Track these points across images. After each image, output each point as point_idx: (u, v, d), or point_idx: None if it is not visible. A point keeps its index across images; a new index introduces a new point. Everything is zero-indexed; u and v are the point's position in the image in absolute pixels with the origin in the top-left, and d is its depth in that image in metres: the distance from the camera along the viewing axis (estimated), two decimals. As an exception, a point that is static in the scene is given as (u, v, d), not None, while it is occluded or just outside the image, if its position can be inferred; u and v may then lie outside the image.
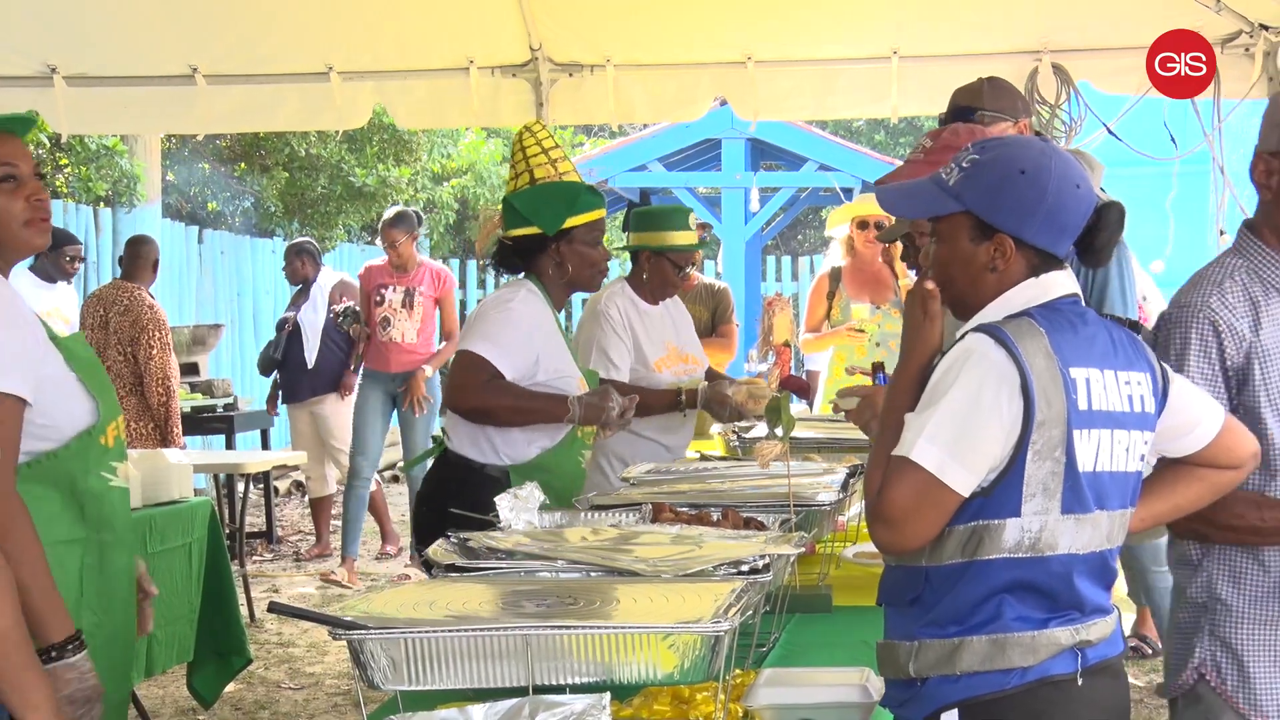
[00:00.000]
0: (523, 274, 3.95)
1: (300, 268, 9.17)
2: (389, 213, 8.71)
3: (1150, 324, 6.15)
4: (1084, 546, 2.23)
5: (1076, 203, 2.26)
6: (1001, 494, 2.17)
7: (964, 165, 2.30)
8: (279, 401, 9.16)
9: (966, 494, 2.17)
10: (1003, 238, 2.26)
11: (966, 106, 3.72)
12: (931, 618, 2.21)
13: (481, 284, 15.22)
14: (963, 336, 2.25)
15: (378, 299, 8.44)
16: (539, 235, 3.85)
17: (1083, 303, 2.34)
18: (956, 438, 2.14)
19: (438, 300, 8.59)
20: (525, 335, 3.75)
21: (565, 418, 3.73)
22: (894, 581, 2.32)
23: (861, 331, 6.64)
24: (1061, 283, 2.30)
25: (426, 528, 3.74)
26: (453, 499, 3.57)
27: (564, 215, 3.80)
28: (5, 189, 2.56)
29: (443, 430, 3.99)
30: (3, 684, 2.19)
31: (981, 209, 2.27)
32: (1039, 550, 2.18)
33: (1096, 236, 2.30)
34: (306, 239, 9.88)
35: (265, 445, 10.07)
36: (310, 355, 8.84)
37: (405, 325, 8.46)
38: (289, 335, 8.91)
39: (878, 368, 3.19)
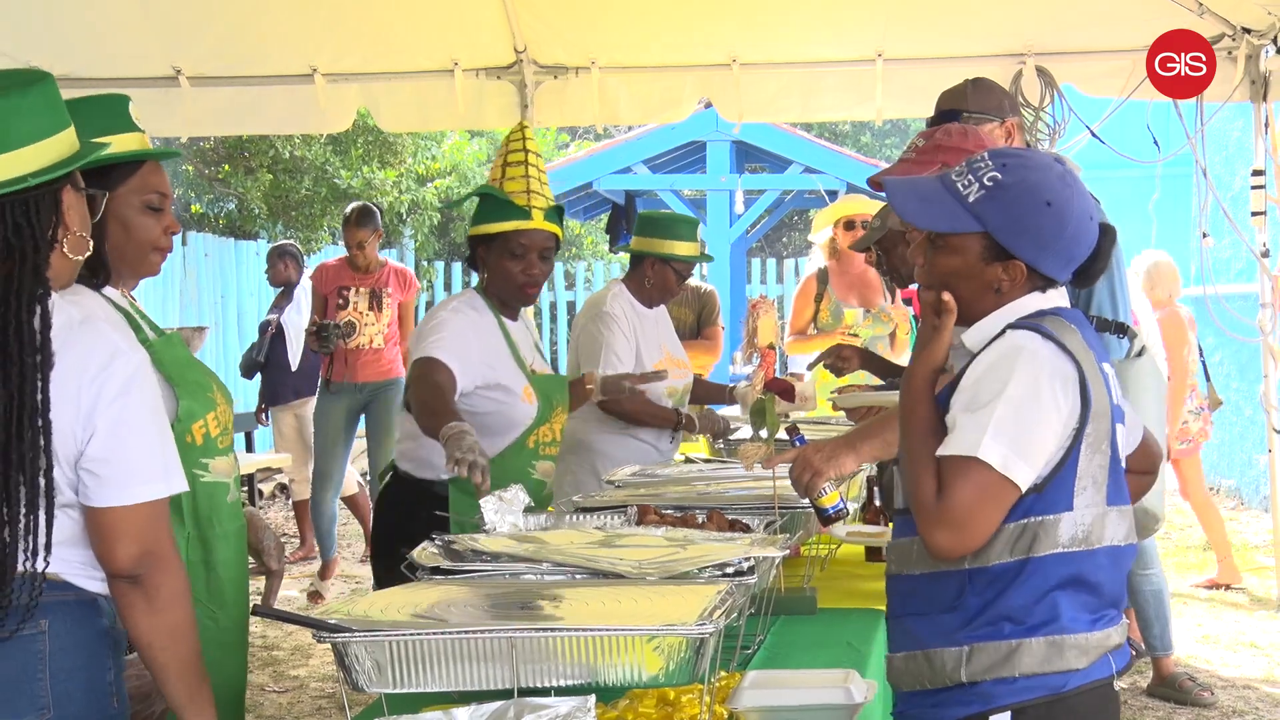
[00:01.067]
0: (475, 285, 3.90)
1: (283, 270, 9.14)
2: (351, 209, 8.12)
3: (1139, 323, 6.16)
4: (1124, 538, 2.27)
5: (1089, 236, 2.31)
6: (1055, 488, 2.20)
7: (986, 183, 2.28)
8: (262, 404, 9.13)
9: (1025, 489, 2.18)
10: (1017, 264, 2.29)
11: (951, 110, 3.70)
12: (983, 620, 2.21)
13: (466, 285, 15.18)
14: (998, 335, 2.27)
15: (339, 301, 7.89)
16: (473, 237, 3.80)
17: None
18: (1019, 433, 2.16)
19: (402, 304, 8.10)
20: (465, 341, 3.63)
21: (439, 436, 3.24)
22: (919, 590, 2.30)
23: (856, 336, 6.62)
24: (1058, 297, 2.35)
25: (380, 546, 3.75)
26: (400, 516, 3.66)
27: (474, 221, 3.75)
28: (152, 215, 2.74)
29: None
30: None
31: (1003, 234, 2.27)
32: (1090, 544, 2.21)
33: (1093, 263, 2.34)
34: (289, 242, 9.85)
35: (249, 448, 10.04)
36: (294, 357, 8.81)
37: (373, 330, 7.95)
38: (272, 337, 8.88)
39: (793, 430, 3.16)
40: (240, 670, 2.98)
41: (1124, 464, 2.36)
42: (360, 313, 7.89)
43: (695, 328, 7.07)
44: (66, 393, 2.18)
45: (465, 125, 11.96)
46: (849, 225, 6.85)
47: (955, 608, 2.22)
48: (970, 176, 2.30)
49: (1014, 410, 2.16)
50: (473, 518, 2.97)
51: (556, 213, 3.77)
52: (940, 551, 2.20)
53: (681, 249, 4.87)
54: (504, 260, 3.71)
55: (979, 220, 2.28)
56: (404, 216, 14.63)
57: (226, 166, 14.03)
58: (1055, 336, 2.21)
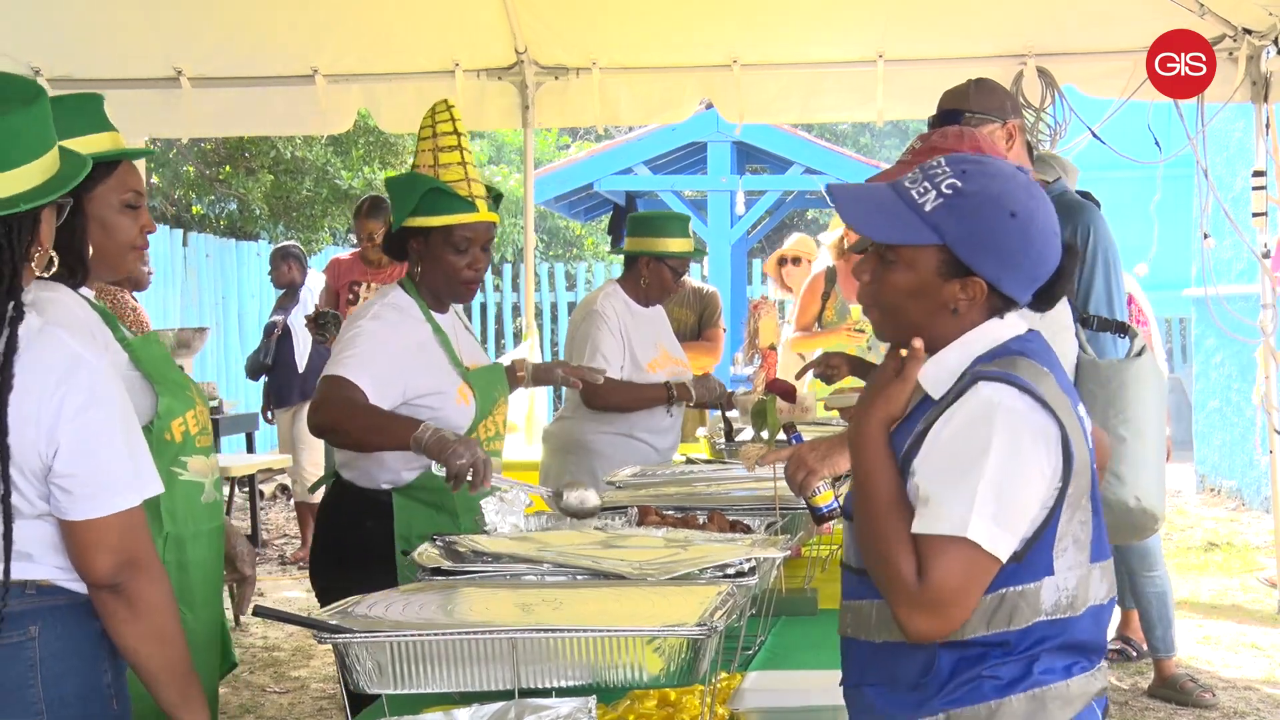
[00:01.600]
0: (401, 280, 3.59)
1: (286, 272, 9.11)
2: (364, 199, 7.91)
3: (1147, 324, 6.14)
4: (1105, 595, 2.08)
5: (1054, 254, 2.08)
6: (1035, 553, 1.99)
7: (944, 190, 2.05)
8: (268, 405, 9.12)
9: (1006, 560, 1.97)
10: (977, 281, 2.05)
11: (953, 110, 3.66)
12: (957, 683, 2.01)
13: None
14: (965, 386, 2.02)
15: (350, 297, 7.62)
16: (406, 229, 3.46)
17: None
18: (1003, 505, 1.94)
19: None
20: (385, 354, 3.34)
21: (410, 445, 3.15)
22: (880, 660, 2.09)
23: (862, 331, 6.61)
24: (1020, 321, 2.13)
25: (317, 557, 3.55)
26: (342, 526, 3.48)
27: (407, 211, 3.39)
28: (129, 214, 2.72)
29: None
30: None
31: (962, 247, 2.04)
32: (1075, 609, 2.02)
33: (1055, 285, 2.11)
34: (292, 243, 9.83)
35: (250, 449, 10.04)
36: (301, 359, 8.79)
37: None
38: (279, 339, 8.86)
39: (789, 428, 3.15)
40: (212, 672, 2.94)
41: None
42: None
43: (696, 329, 7.08)
44: (26, 410, 2.14)
45: (466, 127, 11.94)
46: None
47: (920, 685, 2.02)
48: (926, 183, 2.07)
49: (998, 480, 1.94)
50: (420, 530, 2.89)
51: (495, 199, 3.51)
52: (920, 636, 1.97)
53: (674, 245, 4.86)
54: (446, 254, 3.42)
55: (936, 231, 2.04)
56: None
57: (228, 167, 14.04)
58: (1033, 389, 1.97)
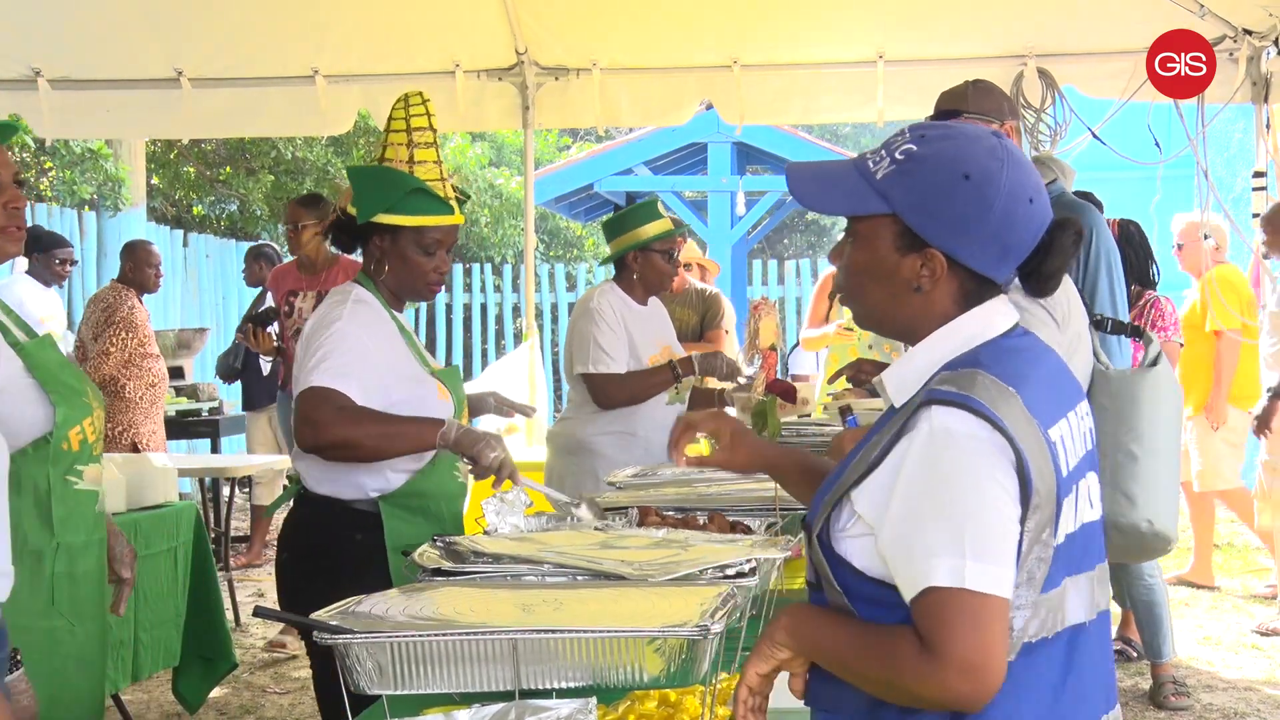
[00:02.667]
0: (358, 276, 3.46)
1: (258, 271, 8.93)
2: (303, 195, 7.34)
3: (1167, 330, 6.07)
4: (1070, 618, 1.87)
5: (1027, 220, 1.88)
6: None
7: (897, 156, 1.89)
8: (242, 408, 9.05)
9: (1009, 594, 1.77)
10: (934, 253, 1.88)
11: (950, 110, 3.65)
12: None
13: (467, 287, 15.19)
14: (918, 407, 1.82)
15: (286, 309, 7.02)
16: (373, 224, 3.31)
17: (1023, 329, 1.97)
18: (986, 540, 1.74)
19: None
20: (363, 354, 3.21)
21: (437, 443, 3.13)
22: (827, 688, 1.91)
23: (850, 330, 6.65)
24: (1005, 314, 1.93)
25: (291, 577, 3.44)
26: (317, 541, 3.34)
27: (380, 207, 3.24)
28: None
29: (295, 472, 3.42)
30: None
31: (912, 216, 1.87)
32: (1018, 649, 1.80)
33: (1045, 261, 1.91)
34: (266, 243, 9.75)
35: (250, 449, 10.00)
36: (265, 362, 8.64)
37: None
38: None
39: (845, 411, 3.13)
40: (98, 683, 2.86)
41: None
42: (305, 319, 7.19)
43: (699, 330, 7.09)
44: None
45: (466, 127, 11.97)
46: None
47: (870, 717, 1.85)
48: (883, 151, 1.92)
49: (975, 515, 1.75)
50: (410, 539, 2.82)
51: (462, 200, 3.39)
52: (962, 705, 1.76)
53: (651, 229, 4.81)
54: (413, 255, 3.30)
55: (885, 199, 1.88)
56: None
57: (228, 168, 14.04)
58: (989, 414, 1.77)
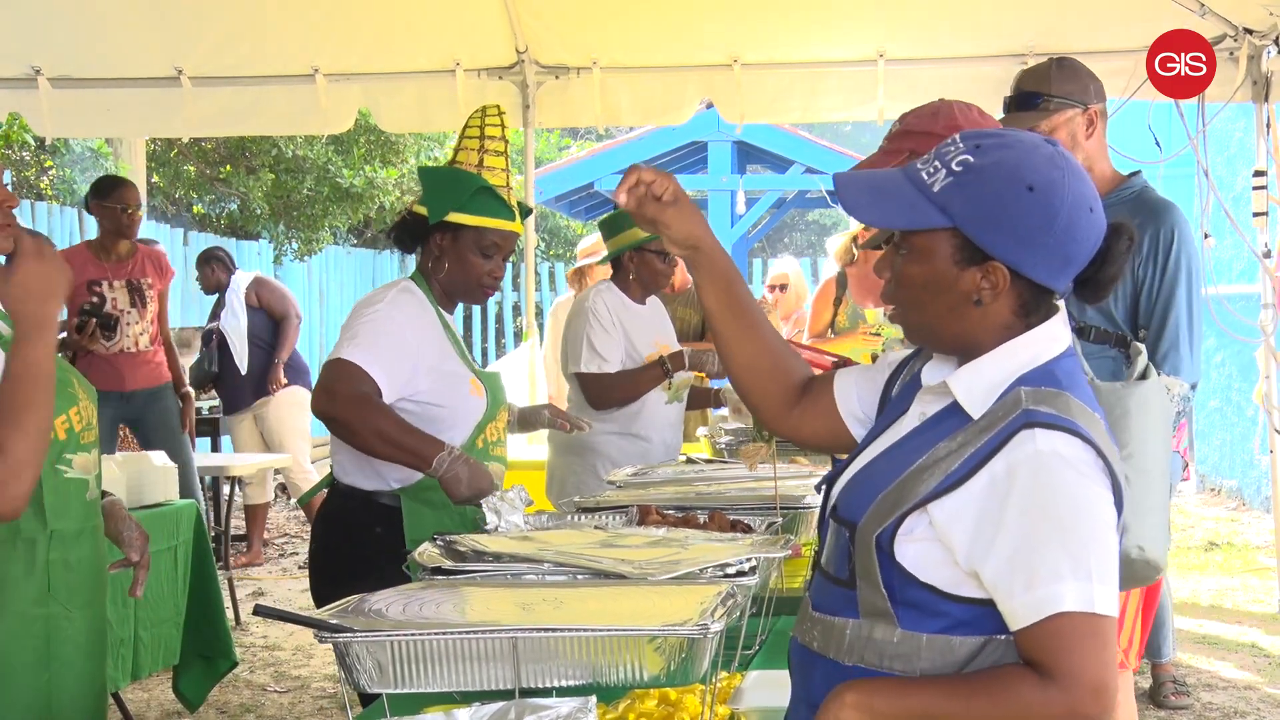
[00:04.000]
0: (413, 271, 3.57)
1: (211, 275, 8.86)
2: (105, 179, 6.88)
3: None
4: None
5: (1089, 230, 1.85)
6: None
7: (954, 168, 1.85)
8: (223, 412, 9.01)
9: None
10: (996, 266, 1.85)
11: (1032, 92, 3.44)
12: None
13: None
14: (1018, 428, 1.79)
15: (95, 300, 6.64)
16: (427, 219, 3.41)
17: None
18: (1103, 562, 1.76)
19: (160, 294, 6.92)
20: (399, 341, 3.29)
21: (429, 469, 3.15)
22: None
23: (878, 335, 6.60)
24: (1065, 329, 1.93)
25: (318, 569, 3.48)
26: (341, 533, 3.40)
27: (450, 206, 3.35)
28: None
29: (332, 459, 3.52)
30: None
31: (973, 229, 1.84)
32: None
33: (1102, 269, 1.88)
34: (217, 246, 9.58)
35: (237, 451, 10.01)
36: (241, 362, 8.66)
37: (137, 329, 6.79)
38: (218, 346, 8.70)
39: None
40: (99, 672, 2.87)
41: None
42: (121, 310, 6.73)
43: (700, 329, 7.09)
44: None
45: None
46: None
47: None
48: (937, 162, 1.87)
49: (1095, 538, 1.76)
50: (425, 534, 2.83)
51: (524, 212, 3.51)
52: None
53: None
54: (471, 255, 3.39)
55: (945, 213, 1.85)
56: (400, 212, 14.62)
57: (228, 166, 14.04)
58: (1094, 441, 1.79)
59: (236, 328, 8.68)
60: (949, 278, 1.88)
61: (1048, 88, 3.44)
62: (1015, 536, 1.75)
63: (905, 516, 1.84)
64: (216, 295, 8.96)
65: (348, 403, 3.18)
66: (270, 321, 8.81)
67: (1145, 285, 3.45)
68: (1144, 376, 2.83)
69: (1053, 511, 1.75)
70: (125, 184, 6.76)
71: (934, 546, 1.83)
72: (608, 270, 7.75)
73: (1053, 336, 1.90)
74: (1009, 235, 1.83)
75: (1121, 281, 2.56)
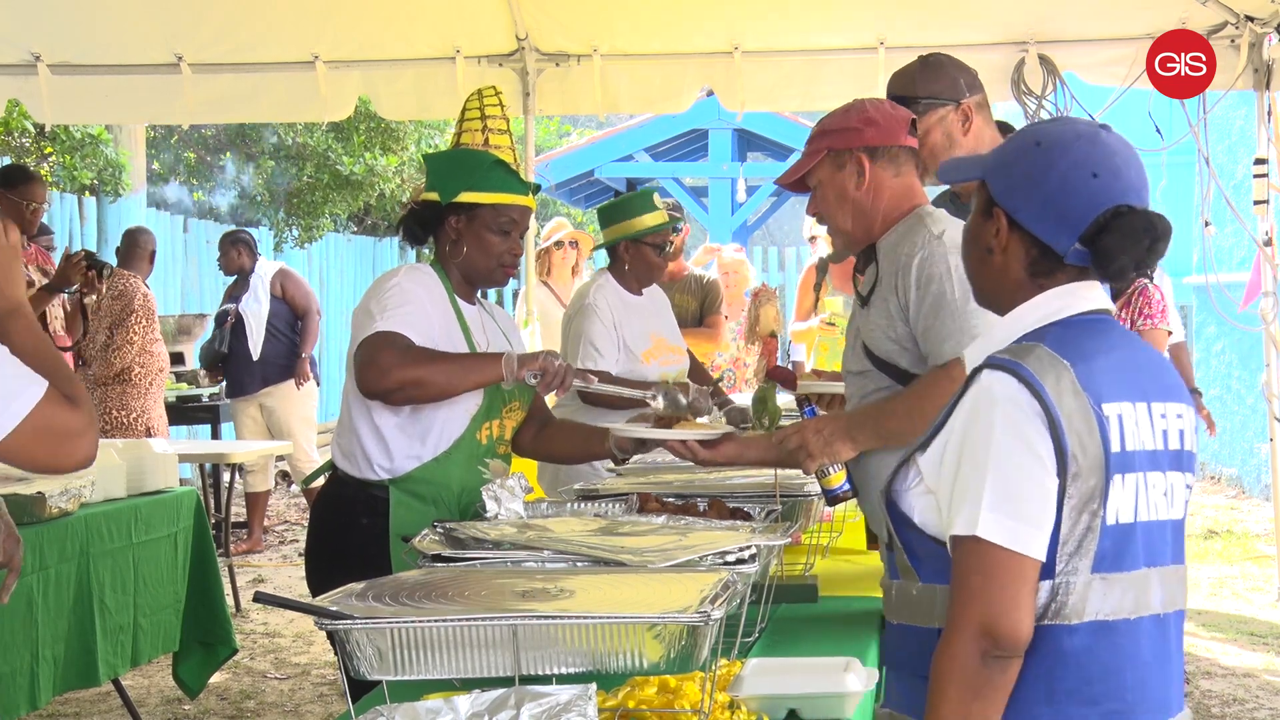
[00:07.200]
0: (430, 261, 3.51)
1: (236, 258, 8.94)
2: (9, 168, 6.87)
3: (1154, 317, 6.00)
4: (1116, 612, 1.92)
5: (1086, 191, 1.94)
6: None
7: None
8: (226, 396, 9.04)
9: (1044, 557, 1.86)
10: (999, 212, 2.00)
11: (900, 96, 3.34)
12: None
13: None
14: (976, 372, 1.93)
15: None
16: (440, 204, 3.34)
17: (1117, 320, 2.04)
18: (1010, 497, 1.84)
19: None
20: (420, 309, 3.25)
21: (504, 375, 3.15)
22: (903, 643, 2.05)
23: (832, 325, 6.67)
24: (1090, 297, 1.99)
25: (311, 556, 3.46)
26: (332, 521, 3.38)
27: (462, 186, 3.29)
28: None
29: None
30: None
31: (990, 174, 2.02)
32: (1065, 617, 1.88)
33: (1101, 239, 1.93)
34: (242, 229, 9.70)
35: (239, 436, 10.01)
36: (255, 347, 8.72)
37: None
38: (232, 327, 8.75)
39: (803, 401, 3.15)
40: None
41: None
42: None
43: (698, 315, 7.09)
44: None
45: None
46: None
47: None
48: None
49: (1002, 472, 1.84)
50: (410, 529, 2.80)
51: (533, 189, 3.46)
52: (989, 657, 1.86)
53: (645, 221, 4.74)
54: (488, 235, 3.32)
55: (982, 166, 2.05)
56: (406, 204, 14.61)
57: (228, 153, 14.03)
58: (1032, 379, 1.86)
59: (257, 312, 8.74)
60: (976, 228, 2.06)
61: (914, 89, 3.36)
62: (950, 467, 1.91)
63: (899, 469, 2.00)
64: (234, 278, 9.01)
65: (399, 365, 3.12)
66: (290, 313, 8.88)
67: None
68: None
69: (969, 442, 1.89)
70: (35, 180, 6.72)
71: (930, 498, 1.96)
72: (568, 253, 7.78)
73: (1067, 299, 1.98)
74: (1007, 180, 1.99)
75: None
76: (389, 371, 3.12)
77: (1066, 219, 1.95)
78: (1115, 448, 1.88)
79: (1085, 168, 1.95)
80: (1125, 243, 1.93)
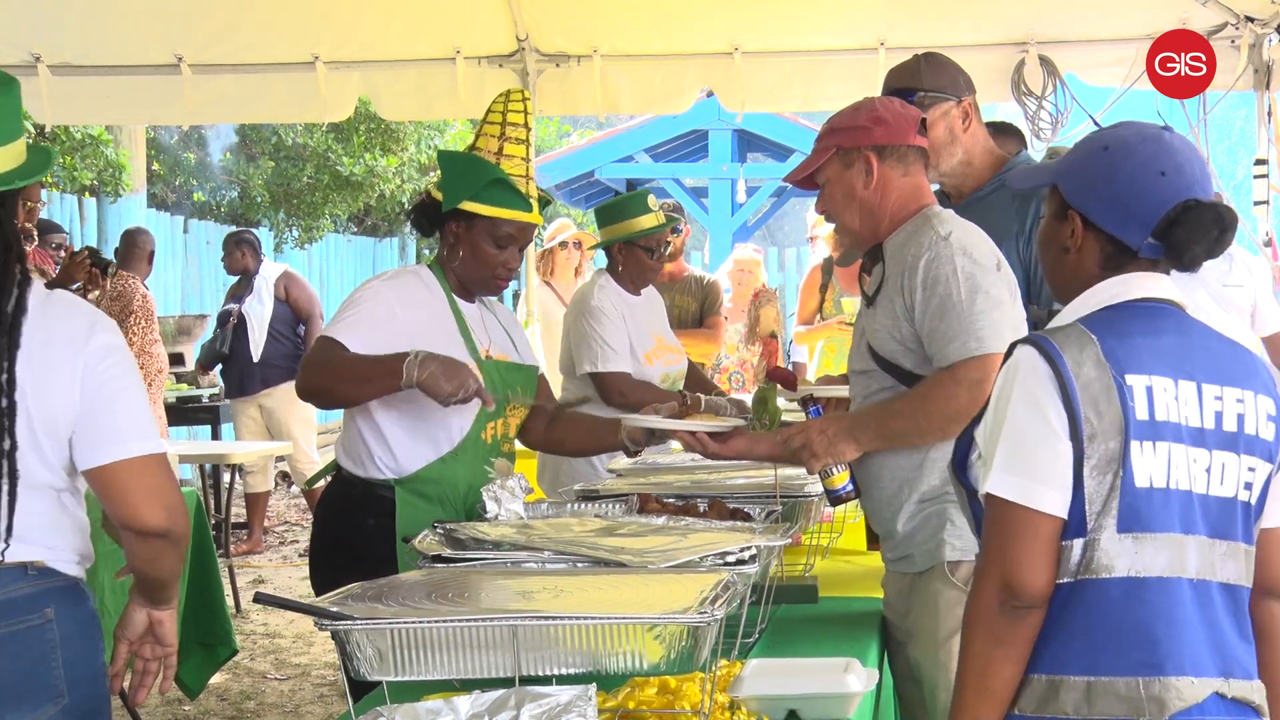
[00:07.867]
0: (430, 262, 3.51)
1: (240, 258, 8.95)
2: None
3: None
4: (1147, 569, 1.99)
5: (1155, 189, 2.07)
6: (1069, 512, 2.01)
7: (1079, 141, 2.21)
8: (225, 396, 9.03)
9: (1064, 514, 1.99)
10: (1074, 214, 2.13)
11: (904, 88, 3.40)
12: None
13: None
14: (1012, 348, 2.10)
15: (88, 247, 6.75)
16: (452, 209, 3.33)
17: (1183, 310, 2.12)
18: (1023, 456, 2.00)
19: None
20: (383, 317, 3.23)
21: (402, 381, 3.06)
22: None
23: (850, 325, 6.64)
24: (1146, 285, 2.10)
25: (315, 557, 3.46)
26: (341, 523, 3.38)
27: (464, 194, 3.27)
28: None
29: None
30: None
31: (1062, 179, 2.16)
32: (1095, 572, 1.98)
33: (1172, 232, 2.06)
34: (246, 229, 9.70)
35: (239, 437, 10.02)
36: (256, 349, 8.72)
37: None
38: (234, 328, 8.74)
39: (808, 401, 3.14)
40: None
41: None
42: None
43: (698, 316, 7.08)
44: (52, 364, 2.23)
45: (466, 114, 11.88)
46: None
47: None
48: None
49: (1014, 433, 2.01)
50: (417, 529, 2.78)
51: (543, 204, 3.45)
52: (1004, 606, 2.02)
53: (639, 224, 4.72)
54: (484, 245, 3.32)
55: (1053, 172, 2.19)
56: (406, 205, 14.62)
57: (228, 154, 14.03)
58: (1053, 350, 2.01)
59: (260, 314, 8.74)
60: (1051, 230, 2.19)
61: (919, 83, 3.41)
62: (985, 435, 2.10)
63: (960, 441, 2.18)
64: (237, 278, 9.00)
65: (316, 376, 3.23)
66: (291, 315, 8.88)
67: (1032, 264, 3.38)
68: None
69: (996, 410, 2.07)
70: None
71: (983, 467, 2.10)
72: (571, 254, 7.78)
73: (1123, 287, 2.10)
74: (1080, 183, 2.13)
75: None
76: (303, 381, 3.26)
77: (1139, 216, 2.09)
78: (1142, 415, 1.99)
79: (1153, 167, 2.08)
80: (1197, 234, 2.07)
